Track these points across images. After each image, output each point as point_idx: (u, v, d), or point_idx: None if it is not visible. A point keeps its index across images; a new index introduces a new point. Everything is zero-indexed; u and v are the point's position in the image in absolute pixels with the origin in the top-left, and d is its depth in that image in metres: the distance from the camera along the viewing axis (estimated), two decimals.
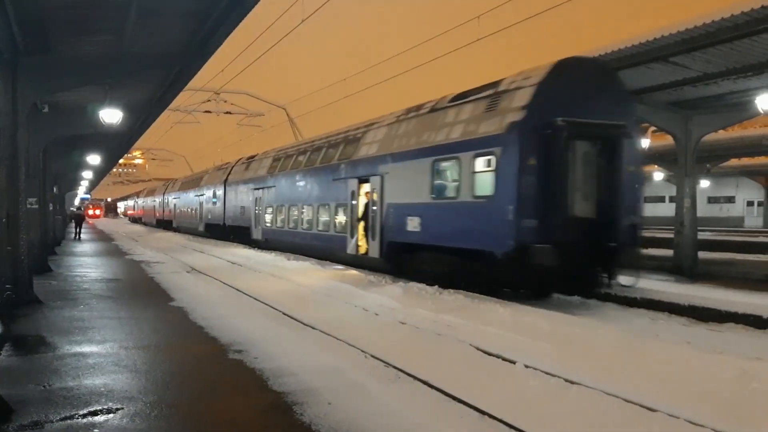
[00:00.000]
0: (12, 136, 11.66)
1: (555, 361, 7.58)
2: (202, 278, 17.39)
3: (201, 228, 40.23)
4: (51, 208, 25.76)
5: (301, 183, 23.49)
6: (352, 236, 18.80)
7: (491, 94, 13.78)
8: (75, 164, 32.43)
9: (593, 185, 12.92)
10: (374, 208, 17.43)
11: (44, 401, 6.15)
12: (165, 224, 54.99)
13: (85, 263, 21.84)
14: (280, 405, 6.19)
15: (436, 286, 13.65)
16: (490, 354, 8.07)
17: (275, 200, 26.31)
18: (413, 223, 15.47)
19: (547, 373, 7.11)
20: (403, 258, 16.49)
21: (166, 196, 56.30)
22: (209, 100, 42.08)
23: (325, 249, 21.27)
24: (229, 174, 34.94)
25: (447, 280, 14.06)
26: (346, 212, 19.48)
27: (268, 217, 27.40)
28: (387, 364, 7.67)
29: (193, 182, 45.20)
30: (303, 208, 23.16)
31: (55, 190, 29.75)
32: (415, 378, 7.07)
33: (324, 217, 21.27)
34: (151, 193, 70.81)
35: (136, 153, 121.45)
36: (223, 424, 5.79)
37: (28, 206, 12.60)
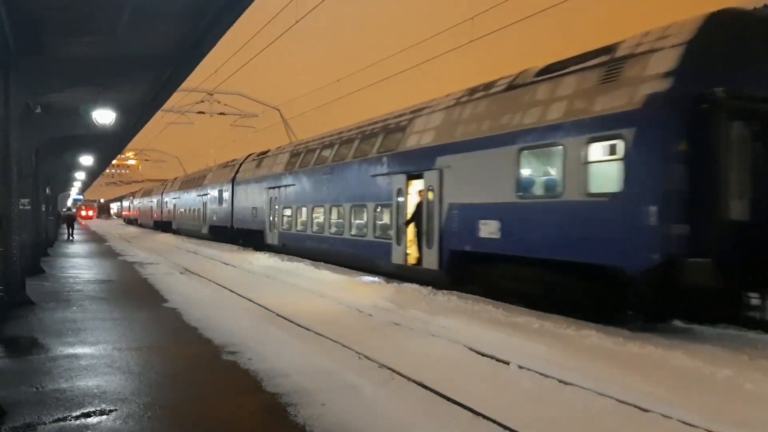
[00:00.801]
0: (4, 136, 11.62)
1: None
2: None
3: (204, 230, 37.31)
4: (44, 209, 25.64)
5: (329, 180, 20.53)
6: (398, 243, 15.95)
7: (607, 61, 10.85)
8: (68, 165, 32.28)
9: (757, 179, 9.65)
10: (430, 209, 14.59)
11: (37, 403, 6.13)
12: (163, 226, 52.02)
13: (78, 264, 21.75)
14: None
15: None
16: None
17: (295, 200, 23.38)
18: (488, 229, 12.56)
19: None
20: (472, 270, 13.60)
21: (164, 196, 53.35)
22: (203, 101, 42.00)
23: (360, 257, 18.36)
24: (237, 172, 32.08)
25: (541, 301, 11.54)
26: (389, 214, 16.77)
27: (285, 220, 24.43)
28: None
29: (195, 181, 42.09)
30: (331, 210, 20.36)
31: (47, 191, 29.62)
32: None
33: (359, 220, 18.60)
34: (147, 193, 67.52)
35: (129, 154, 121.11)
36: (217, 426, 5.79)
37: (21, 207, 12.53)
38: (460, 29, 20.50)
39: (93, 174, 49.52)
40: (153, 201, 60.35)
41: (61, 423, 5.61)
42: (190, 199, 42.18)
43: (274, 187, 25.70)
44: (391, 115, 18.36)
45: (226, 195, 32.90)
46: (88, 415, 5.83)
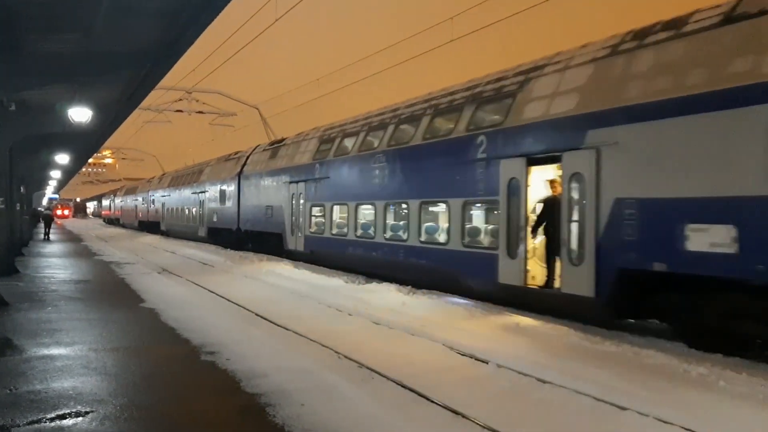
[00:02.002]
0: None
1: None
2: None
3: (202, 233, 32.94)
4: (18, 208, 25.28)
5: (383, 170, 15.99)
6: (511, 255, 11.48)
7: None
8: (43, 163, 31.86)
9: None
10: (576, 207, 10.34)
11: (10, 405, 6.04)
12: (150, 227, 47.56)
13: (54, 264, 21.47)
14: None
15: None
16: None
17: (330, 196, 18.66)
18: (708, 238, 8.21)
19: None
20: (658, 301, 9.39)
21: (151, 194, 48.22)
22: (181, 100, 41.63)
23: (436, 271, 13.84)
24: (245, 165, 27.56)
25: None
26: (492, 215, 13.15)
27: (315, 221, 19.81)
28: None
29: (190, 176, 37.54)
30: (388, 208, 15.99)
31: (22, 189, 29.20)
32: None
33: (436, 222, 14.95)
34: (131, 191, 61.63)
35: (106, 152, 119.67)
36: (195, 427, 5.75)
37: None
38: (440, 29, 20.58)
39: (69, 173, 48.91)
40: (138, 199, 55.24)
41: (36, 425, 5.54)
42: (183, 197, 37.82)
43: (297, 181, 21.03)
44: (475, 82, 13.93)
45: (231, 192, 28.41)
46: (63, 416, 5.76)
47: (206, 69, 30.80)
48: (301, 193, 20.76)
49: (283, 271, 18.41)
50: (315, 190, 19.71)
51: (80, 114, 15.96)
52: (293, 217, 21.36)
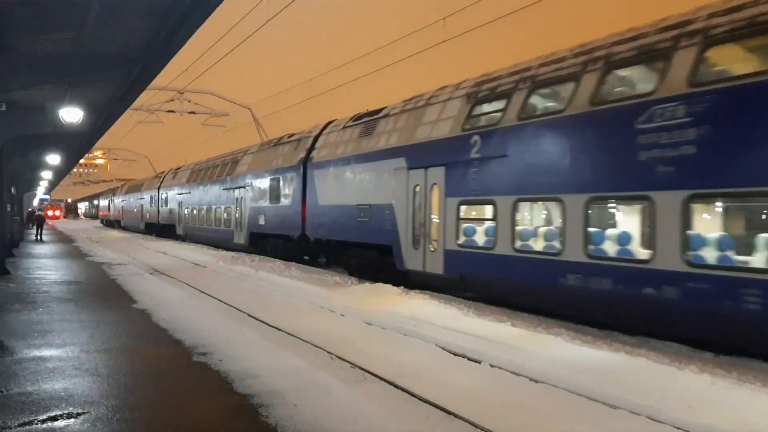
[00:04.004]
0: None
1: None
2: None
3: (240, 239, 26.37)
4: (8, 209, 25.15)
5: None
6: None
7: None
8: (34, 164, 31.71)
9: None
10: None
11: (2, 407, 6.01)
12: (160, 230, 41.49)
13: (45, 265, 21.36)
14: None
15: None
16: None
17: (511, 187, 11.73)
18: None
19: None
20: None
21: (163, 192, 41.60)
22: (173, 100, 41.52)
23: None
24: (312, 149, 20.50)
25: None
26: None
27: (469, 227, 13.15)
28: None
29: (219, 169, 30.81)
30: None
31: (12, 190, 29.06)
32: None
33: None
34: (136, 188, 53.64)
35: (98, 153, 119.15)
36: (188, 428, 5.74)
37: None
38: (432, 30, 20.62)
39: (60, 173, 48.69)
40: (144, 198, 47.87)
41: (27, 427, 5.51)
42: (210, 194, 31.27)
43: (426, 166, 14.08)
44: None
45: (291, 186, 21.60)
46: (55, 418, 5.73)
47: (198, 69, 30.70)
48: (433, 184, 13.83)
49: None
50: (470, 178, 12.72)
51: (71, 114, 15.87)
52: (415, 222, 14.43)
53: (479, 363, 7.72)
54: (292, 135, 23.53)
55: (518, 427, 5.64)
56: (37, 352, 8.33)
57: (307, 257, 21.82)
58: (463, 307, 11.65)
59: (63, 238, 41.52)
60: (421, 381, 6.91)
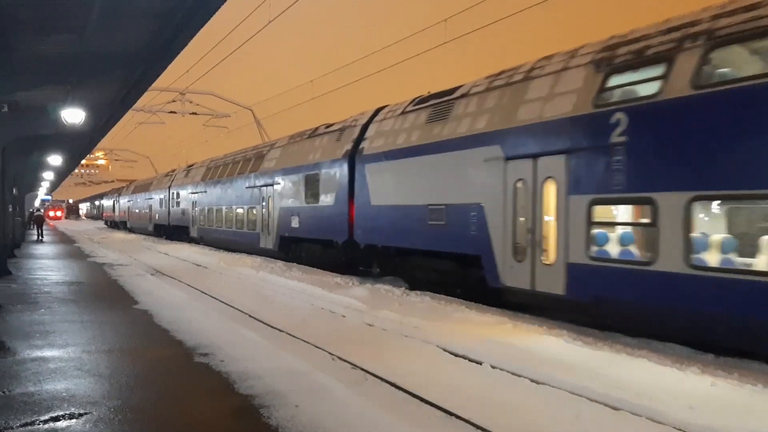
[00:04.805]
0: None
1: None
2: None
3: (267, 243, 23.39)
4: (10, 210, 25.19)
5: None
6: None
7: None
8: (35, 165, 31.74)
9: None
10: None
11: (4, 407, 6.02)
12: (171, 232, 39.14)
13: (47, 266, 21.38)
14: None
15: None
16: None
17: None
18: None
19: None
20: None
21: (174, 190, 38.54)
22: (174, 101, 41.58)
23: None
24: (361, 139, 17.65)
25: None
26: None
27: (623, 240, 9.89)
28: None
29: (241, 165, 27.79)
30: None
31: (14, 191, 29.10)
32: None
33: None
34: (143, 187, 50.32)
35: (99, 154, 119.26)
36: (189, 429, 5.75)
37: None
38: (434, 31, 20.64)
39: (61, 174, 48.72)
40: (153, 198, 44.84)
41: (30, 427, 5.53)
42: (230, 193, 28.31)
43: (542, 154, 10.91)
44: None
45: (333, 183, 18.59)
46: (56, 419, 5.74)
47: (200, 70, 30.96)
48: (547, 178, 10.77)
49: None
50: (609, 169, 9.51)
51: (73, 115, 15.91)
52: (517, 227, 11.46)
53: (480, 364, 7.73)
54: (330, 125, 20.46)
55: (518, 428, 5.65)
56: (39, 353, 8.34)
57: (360, 267, 18.22)
58: (464, 307, 11.75)
59: (64, 239, 41.56)
60: (417, 380, 6.92)
